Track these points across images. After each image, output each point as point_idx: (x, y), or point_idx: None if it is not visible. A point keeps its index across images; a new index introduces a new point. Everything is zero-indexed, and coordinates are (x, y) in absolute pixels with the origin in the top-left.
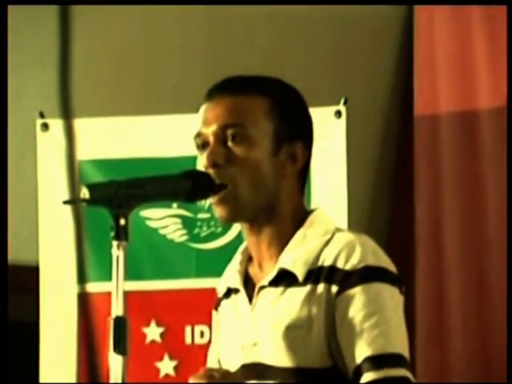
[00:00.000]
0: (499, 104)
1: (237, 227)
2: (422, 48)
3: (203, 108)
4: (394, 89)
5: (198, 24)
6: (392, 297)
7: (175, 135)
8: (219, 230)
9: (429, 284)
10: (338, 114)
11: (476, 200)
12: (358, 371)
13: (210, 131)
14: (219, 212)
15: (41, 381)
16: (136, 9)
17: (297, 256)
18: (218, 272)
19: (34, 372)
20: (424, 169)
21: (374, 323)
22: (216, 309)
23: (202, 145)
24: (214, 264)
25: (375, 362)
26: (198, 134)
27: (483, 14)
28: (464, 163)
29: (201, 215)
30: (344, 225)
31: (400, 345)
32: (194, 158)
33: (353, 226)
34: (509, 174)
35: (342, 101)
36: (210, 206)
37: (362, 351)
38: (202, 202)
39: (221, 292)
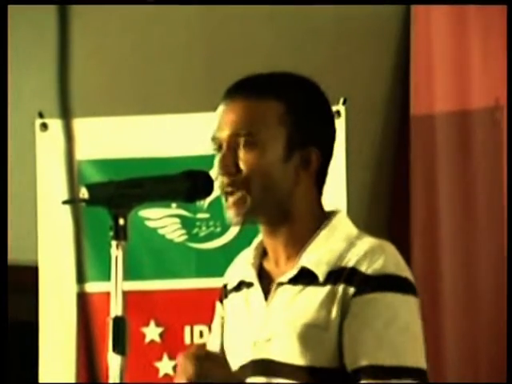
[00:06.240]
0: (494, 104)
1: (236, 227)
2: (418, 48)
3: (219, 109)
4: (392, 88)
5: (198, 24)
6: (407, 308)
7: (174, 135)
8: (218, 229)
9: (425, 282)
10: (338, 113)
11: (469, 197)
12: (356, 374)
13: (222, 136)
14: (230, 216)
15: (40, 380)
16: (135, 8)
17: (320, 256)
18: (217, 272)
19: (33, 372)
20: (420, 167)
21: (381, 335)
22: (221, 301)
23: (218, 148)
24: (213, 264)
25: (370, 371)
26: (213, 138)
27: (480, 14)
28: (458, 161)
29: (200, 215)
30: None
31: (403, 358)
32: (194, 158)
33: None
34: (509, 172)
35: (341, 101)
36: (209, 206)
37: (361, 357)
38: (201, 201)
39: (230, 284)
